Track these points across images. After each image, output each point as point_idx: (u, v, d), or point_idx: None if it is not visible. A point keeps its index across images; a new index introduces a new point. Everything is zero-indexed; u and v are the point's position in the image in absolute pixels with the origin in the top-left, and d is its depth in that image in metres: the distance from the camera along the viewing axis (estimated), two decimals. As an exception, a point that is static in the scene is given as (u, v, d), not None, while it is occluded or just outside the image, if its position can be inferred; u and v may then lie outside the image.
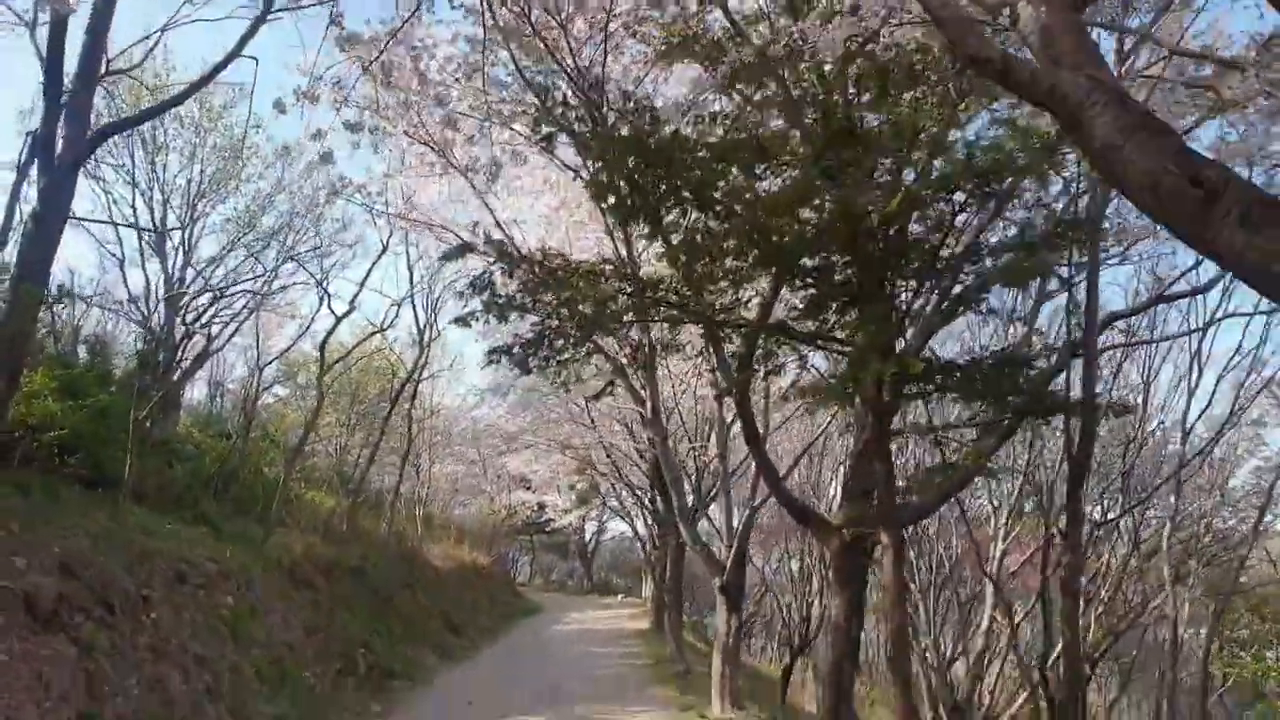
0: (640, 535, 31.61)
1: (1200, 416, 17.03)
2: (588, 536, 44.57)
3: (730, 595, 11.28)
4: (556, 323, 7.27)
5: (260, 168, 18.59)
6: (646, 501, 23.99)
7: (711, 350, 8.66)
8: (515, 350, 7.66)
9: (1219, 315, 14.41)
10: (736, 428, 13.08)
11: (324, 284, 16.74)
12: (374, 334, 18.25)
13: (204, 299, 19.40)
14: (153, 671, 7.63)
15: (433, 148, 10.60)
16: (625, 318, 7.66)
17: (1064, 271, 9.10)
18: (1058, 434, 13.34)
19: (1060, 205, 8.48)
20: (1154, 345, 16.04)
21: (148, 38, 11.20)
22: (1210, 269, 10.72)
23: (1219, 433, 16.59)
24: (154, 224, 20.70)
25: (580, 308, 6.86)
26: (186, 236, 20.99)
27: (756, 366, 7.84)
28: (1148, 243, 10.78)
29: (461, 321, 7.64)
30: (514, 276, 7.33)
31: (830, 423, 13.85)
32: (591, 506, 37.07)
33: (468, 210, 12.67)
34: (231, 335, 20.51)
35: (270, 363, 18.94)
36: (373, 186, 12.74)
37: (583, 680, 14.70)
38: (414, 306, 18.67)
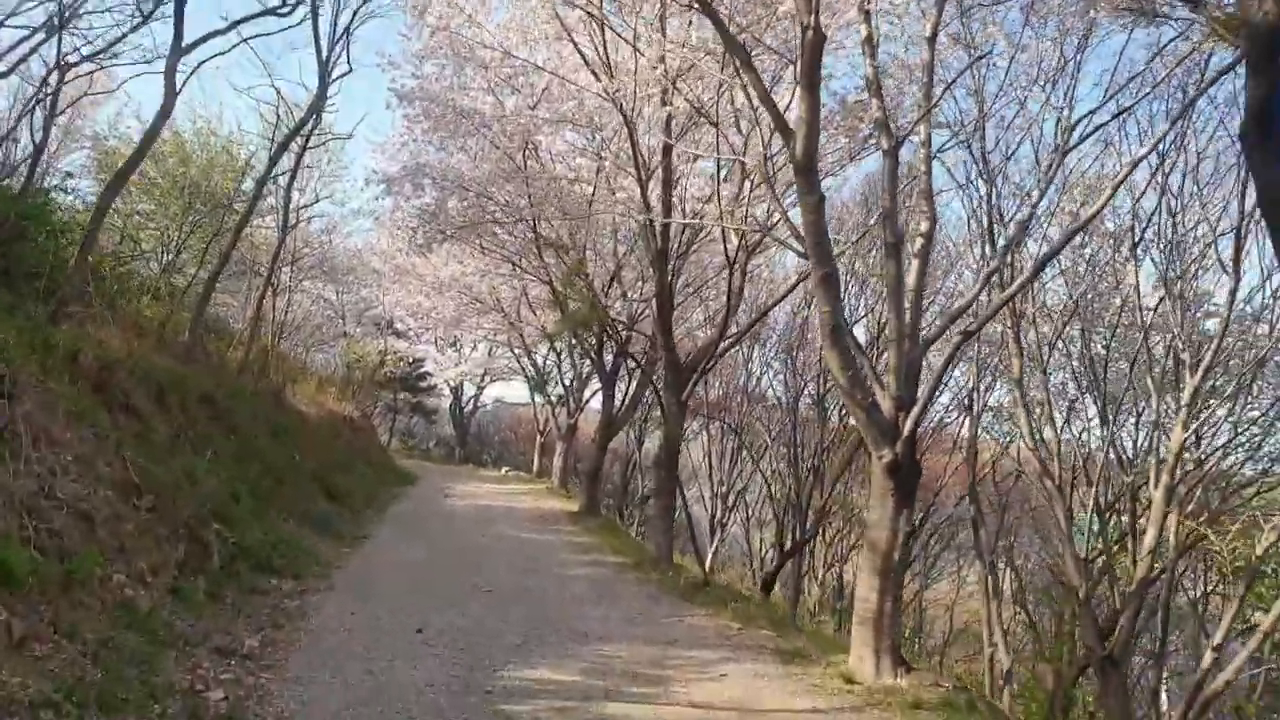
0: (549, 400, 26.70)
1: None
2: (464, 398, 39.05)
3: (902, 479, 6.60)
4: None
5: None
6: (590, 353, 18.95)
7: None
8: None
9: None
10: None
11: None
12: (263, 14, 11.32)
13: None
14: None
15: None
16: None
17: None
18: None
19: None
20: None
21: None
22: None
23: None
24: None
25: None
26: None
27: None
28: None
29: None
30: None
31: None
32: (487, 363, 31.68)
33: None
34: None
35: (81, 49, 11.74)
36: None
37: (556, 586, 9.85)
38: (314, 17, 12.30)
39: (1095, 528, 11.30)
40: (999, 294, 8.47)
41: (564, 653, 6.79)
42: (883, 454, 6.64)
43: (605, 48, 11.21)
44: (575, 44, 11.21)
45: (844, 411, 19.99)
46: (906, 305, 7.55)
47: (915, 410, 6.74)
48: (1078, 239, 11.24)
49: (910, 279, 7.70)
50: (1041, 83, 8.90)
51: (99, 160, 21.64)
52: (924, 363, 7.55)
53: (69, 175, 15.89)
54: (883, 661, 6.56)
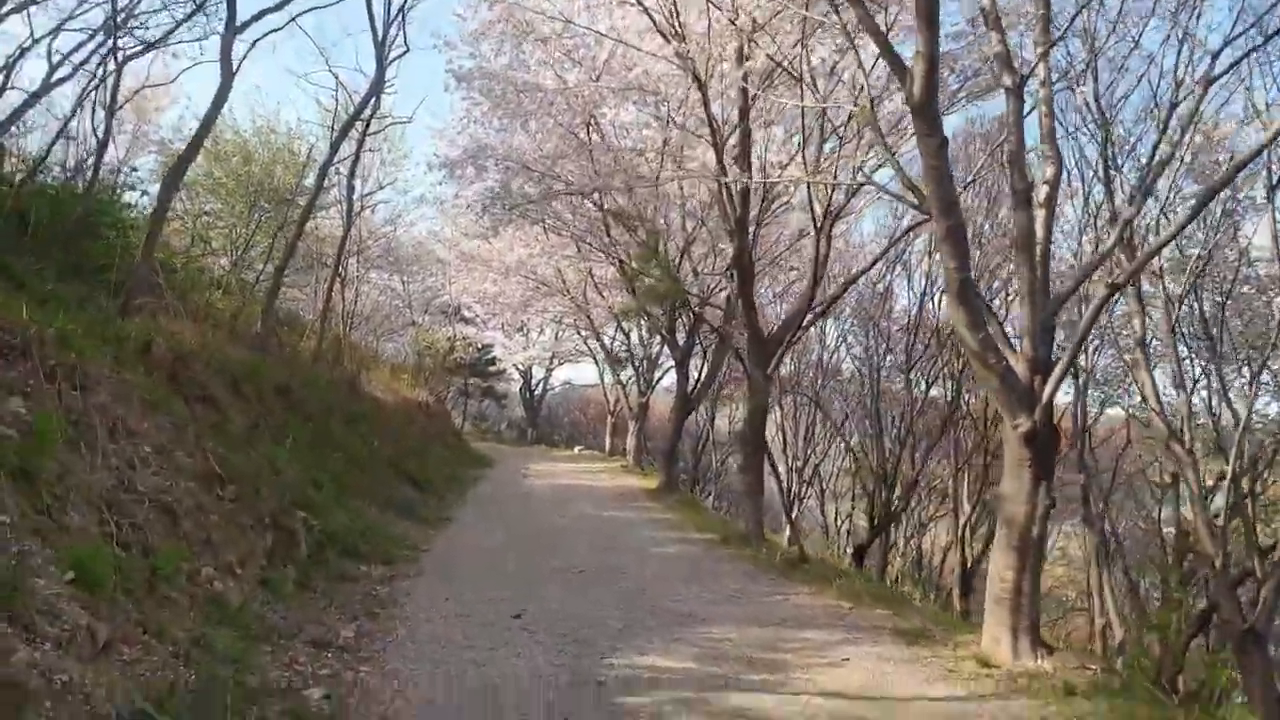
0: (620, 380, 26.44)
1: None
2: (534, 381, 38.97)
3: (1040, 449, 6.01)
4: None
5: None
6: (661, 329, 18.47)
7: None
8: None
9: None
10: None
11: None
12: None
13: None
14: None
15: None
16: None
17: None
18: None
19: None
20: None
21: None
22: None
23: None
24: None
25: None
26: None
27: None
28: None
29: None
30: None
31: None
32: (555, 346, 31.48)
33: None
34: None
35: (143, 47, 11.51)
36: None
37: (647, 565, 9.45)
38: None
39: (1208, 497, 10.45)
40: (1121, 245, 7.74)
41: (670, 637, 6.35)
42: (1019, 422, 6.05)
43: (676, 6, 10.64)
44: (644, 6, 10.63)
45: (930, 381, 19.22)
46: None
47: (1056, 374, 6.13)
48: (1190, 188, 10.44)
49: (1039, 230, 7.04)
50: (1172, 8, 8.07)
51: (165, 163, 21.81)
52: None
53: (133, 170, 15.85)
54: (1020, 643, 5.98)
